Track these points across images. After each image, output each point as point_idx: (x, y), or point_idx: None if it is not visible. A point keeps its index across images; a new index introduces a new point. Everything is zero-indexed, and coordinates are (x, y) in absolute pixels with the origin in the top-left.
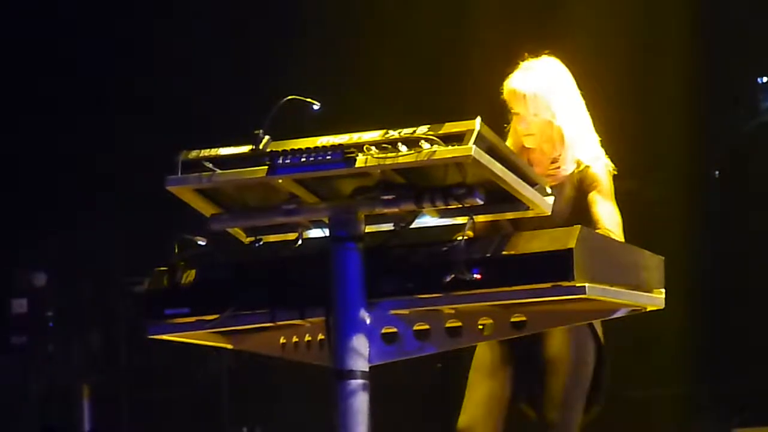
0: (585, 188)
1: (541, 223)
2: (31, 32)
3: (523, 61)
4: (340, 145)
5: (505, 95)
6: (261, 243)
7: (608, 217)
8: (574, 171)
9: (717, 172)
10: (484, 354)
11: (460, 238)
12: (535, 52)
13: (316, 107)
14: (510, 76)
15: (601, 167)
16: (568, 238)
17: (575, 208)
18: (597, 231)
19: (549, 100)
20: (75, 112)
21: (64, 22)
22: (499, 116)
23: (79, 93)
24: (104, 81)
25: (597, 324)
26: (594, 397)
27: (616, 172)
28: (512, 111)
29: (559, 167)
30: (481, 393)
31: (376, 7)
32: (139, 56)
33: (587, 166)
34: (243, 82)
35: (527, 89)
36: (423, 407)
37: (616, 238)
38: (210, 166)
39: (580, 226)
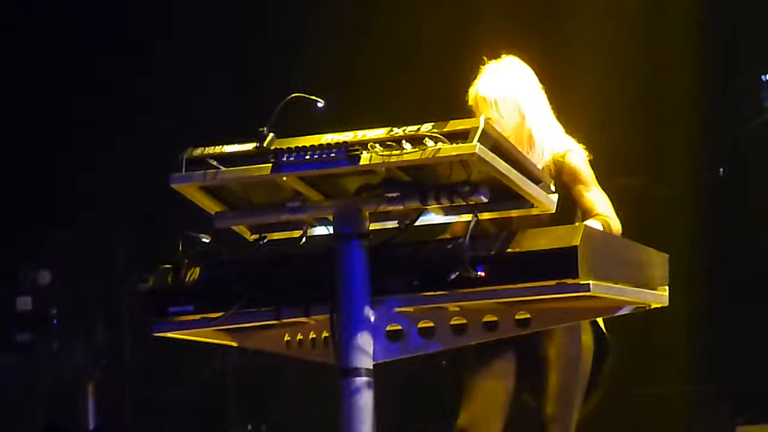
0: (566, 182)
1: (526, 218)
2: (30, 32)
3: (484, 65)
4: (344, 142)
5: (472, 102)
6: (266, 240)
7: (599, 202)
8: (548, 162)
9: (722, 169)
10: (485, 352)
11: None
12: (496, 55)
13: (320, 104)
14: (474, 82)
15: (577, 157)
16: (573, 235)
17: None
18: (594, 217)
19: (517, 102)
20: (75, 107)
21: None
22: None
23: (80, 89)
24: (105, 81)
25: None
26: (593, 386)
27: (591, 157)
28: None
29: None
30: (484, 390)
31: (382, 5)
32: (140, 56)
33: (562, 158)
34: (246, 80)
35: (496, 94)
36: (427, 405)
37: (614, 223)
38: (214, 163)
39: (584, 224)
